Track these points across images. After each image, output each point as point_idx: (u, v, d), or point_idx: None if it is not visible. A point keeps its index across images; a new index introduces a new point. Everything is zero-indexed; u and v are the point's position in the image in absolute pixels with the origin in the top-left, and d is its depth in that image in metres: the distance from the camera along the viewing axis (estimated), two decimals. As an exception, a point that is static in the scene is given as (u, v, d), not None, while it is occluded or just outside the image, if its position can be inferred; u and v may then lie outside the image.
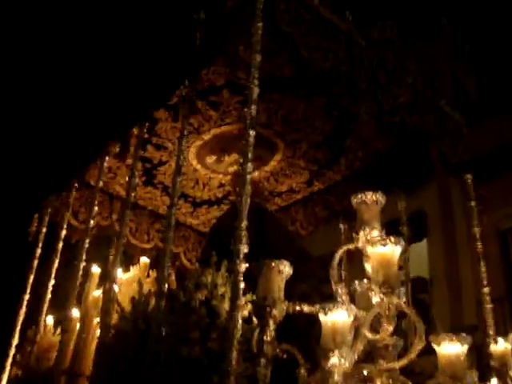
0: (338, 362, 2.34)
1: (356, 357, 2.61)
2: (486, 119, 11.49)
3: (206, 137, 5.83)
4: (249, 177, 3.35)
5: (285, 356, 2.82)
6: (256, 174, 6.35)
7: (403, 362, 2.52)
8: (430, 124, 5.09)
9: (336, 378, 2.34)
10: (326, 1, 4.50)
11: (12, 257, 6.60)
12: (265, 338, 2.60)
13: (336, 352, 2.34)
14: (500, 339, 4.07)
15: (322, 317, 2.45)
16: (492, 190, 11.23)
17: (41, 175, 6.37)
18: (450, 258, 11.67)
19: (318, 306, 2.48)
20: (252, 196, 6.05)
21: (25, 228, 6.18)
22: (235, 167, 6.16)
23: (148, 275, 5.39)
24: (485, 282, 4.94)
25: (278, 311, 2.62)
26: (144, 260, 5.56)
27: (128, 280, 5.09)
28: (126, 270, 5.34)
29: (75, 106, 5.97)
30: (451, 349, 2.49)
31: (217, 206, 6.95)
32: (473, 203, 5.24)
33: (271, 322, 2.60)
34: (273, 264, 2.72)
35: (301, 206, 6.88)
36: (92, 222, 5.33)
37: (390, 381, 2.59)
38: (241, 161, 6.11)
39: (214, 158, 6.12)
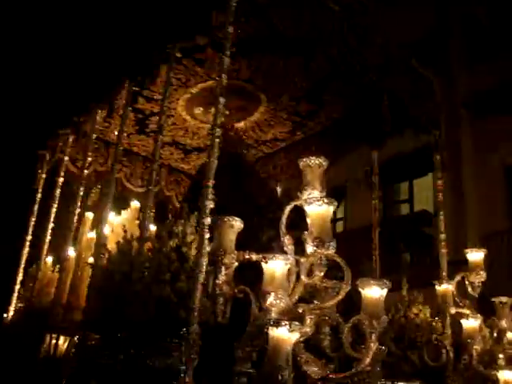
0: (275, 302, 2.84)
1: (297, 297, 3.09)
2: (496, 54, 11.68)
3: (194, 90, 6.20)
4: (217, 140, 3.75)
5: (241, 295, 3.31)
6: (242, 123, 6.82)
7: (332, 302, 3.01)
8: (399, 84, 5.43)
9: (273, 314, 2.84)
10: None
11: (15, 201, 7.11)
12: (217, 281, 3.10)
13: (272, 294, 2.83)
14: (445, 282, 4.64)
15: (263, 264, 2.93)
16: (499, 125, 11.48)
17: (38, 124, 6.78)
18: (455, 192, 11.79)
19: (260, 255, 2.96)
20: (232, 146, 6.52)
21: (26, 175, 6.67)
22: (222, 118, 6.57)
23: (138, 218, 5.86)
24: (442, 229, 5.40)
25: (228, 259, 3.10)
26: (135, 204, 6.02)
27: (119, 223, 5.57)
28: (119, 213, 5.80)
29: (72, 56, 6.31)
30: (373, 292, 2.97)
31: (206, 153, 7.36)
32: (438, 157, 5.66)
33: (223, 268, 3.09)
34: (225, 219, 3.17)
35: (285, 153, 7.33)
36: (86, 170, 5.74)
37: (326, 318, 3.10)
38: (226, 112, 6.58)
39: (201, 109, 6.51)
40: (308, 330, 2.89)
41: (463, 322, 4.40)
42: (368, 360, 2.80)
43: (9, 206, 7.41)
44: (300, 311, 3.00)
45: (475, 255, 4.77)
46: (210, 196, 3.55)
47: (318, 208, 3.02)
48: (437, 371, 4.47)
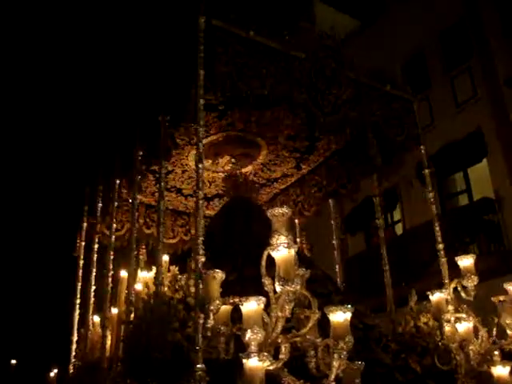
0: (252, 336, 3.38)
1: (279, 329, 3.61)
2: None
3: (198, 146, 6.88)
4: (201, 202, 4.35)
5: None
6: (250, 168, 7.44)
7: (305, 330, 3.55)
8: (374, 111, 5.90)
9: (253, 347, 3.38)
10: (262, 29, 5.36)
11: (61, 269, 7.92)
12: (207, 325, 3.69)
13: (249, 330, 3.38)
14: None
15: (241, 307, 3.49)
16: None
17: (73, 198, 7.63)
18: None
19: (238, 299, 3.53)
20: (243, 192, 7.11)
21: (70, 244, 7.50)
22: (230, 166, 7.24)
23: (169, 270, 6.49)
24: (439, 239, 5.77)
25: (214, 306, 3.68)
26: (164, 258, 6.66)
27: (151, 278, 6.19)
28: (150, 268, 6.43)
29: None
30: (337, 317, 3.46)
31: (226, 198, 8.02)
32: (426, 171, 6.08)
33: (211, 314, 3.68)
34: (208, 272, 3.76)
35: (297, 186, 7.91)
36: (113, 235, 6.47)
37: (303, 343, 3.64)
38: (233, 160, 7.20)
39: (209, 161, 7.16)
40: (283, 356, 3.43)
41: (457, 325, 4.80)
42: (333, 377, 3.31)
43: (58, 273, 8.23)
44: (279, 341, 3.55)
45: (465, 261, 5.16)
46: (201, 251, 4.16)
47: (281, 252, 3.56)
48: (443, 375, 4.86)
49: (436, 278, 5.95)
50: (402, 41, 14.70)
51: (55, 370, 7.50)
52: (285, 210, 3.82)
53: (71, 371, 6.68)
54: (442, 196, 13.79)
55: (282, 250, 3.56)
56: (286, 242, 3.64)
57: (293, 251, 3.58)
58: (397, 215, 15.36)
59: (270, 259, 3.64)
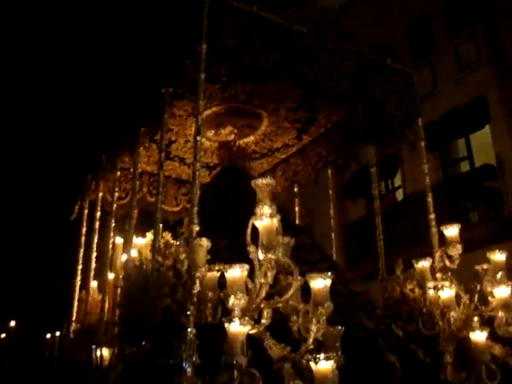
0: (236, 302, 3.50)
1: (263, 295, 3.72)
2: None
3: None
4: (197, 173, 4.45)
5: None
6: (252, 138, 7.51)
7: (286, 296, 3.66)
8: (375, 85, 5.91)
9: (236, 312, 3.50)
10: (264, 3, 5.37)
11: (62, 236, 8.09)
12: (192, 291, 3.82)
13: (232, 296, 3.50)
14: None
15: (226, 273, 3.61)
16: None
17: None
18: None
19: (222, 266, 3.64)
20: (237, 161, 7.17)
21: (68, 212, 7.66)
22: (232, 136, 7.31)
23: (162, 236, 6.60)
24: (431, 210, 5.84)
25: (200, 273, 3.81)
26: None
27: (146, 244, 6.30)
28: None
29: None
30: (318, 283, 3.57)
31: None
32: (422, 143, 6.12)
33: (196, 280, 3.81)
34: (195, 241, 3.87)
35: (298, 156, 7.98)
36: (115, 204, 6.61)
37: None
38: (235, 131, 7.26)
39: (212, 131, 7.23)
40: (265, 321, 3.56)
41: (440, 292, 4.90)
42: (311, 340, 3.43)
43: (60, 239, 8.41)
44: (262, 306, 3.66)
45: (451, 230, 5.24)
46: (196, 220, 4.27)
47: (263, 222, 3.66)
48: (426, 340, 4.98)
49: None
50: (406, 5, 14.52)
51: (57, 333, 7.73)
52: (268, 180, 3.90)
53: (71, 333, 6.89)
54: (443, 162, 13.74)
55: (264, 220, 3.65)
56: (270, 211, 3.72)
57: (275, 220, 3.67)
58: (398, 181, 15.35)
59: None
